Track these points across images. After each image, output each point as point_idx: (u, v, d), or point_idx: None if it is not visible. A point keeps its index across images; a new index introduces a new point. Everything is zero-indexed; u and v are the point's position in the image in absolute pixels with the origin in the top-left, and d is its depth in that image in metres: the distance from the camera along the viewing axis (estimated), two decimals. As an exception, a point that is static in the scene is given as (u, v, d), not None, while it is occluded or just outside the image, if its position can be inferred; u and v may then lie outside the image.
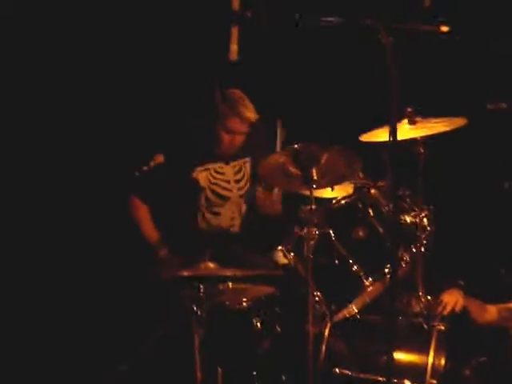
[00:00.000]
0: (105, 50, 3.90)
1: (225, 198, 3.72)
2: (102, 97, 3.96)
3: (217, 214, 3.73)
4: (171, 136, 3.72)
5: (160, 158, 3.58)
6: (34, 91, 3.80)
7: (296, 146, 2.83)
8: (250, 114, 3.51)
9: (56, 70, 3.82)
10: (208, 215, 3.72)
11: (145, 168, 3.57)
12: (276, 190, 3.72)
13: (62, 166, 3.91)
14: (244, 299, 3.07)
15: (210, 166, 3.68)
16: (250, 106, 3.53)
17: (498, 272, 3.98)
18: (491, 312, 3.13)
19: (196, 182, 3.66)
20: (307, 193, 2.91)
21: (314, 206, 2.82)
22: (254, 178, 3.76)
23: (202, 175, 3.66)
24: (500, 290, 3.82)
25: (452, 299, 3.12)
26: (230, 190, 3.74)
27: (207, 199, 3.69)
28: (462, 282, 3.31)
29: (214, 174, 3.69)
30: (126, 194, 3.65)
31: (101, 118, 3.98)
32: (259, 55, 3.90)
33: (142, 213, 3.65)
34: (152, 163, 3.57)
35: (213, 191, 3.69)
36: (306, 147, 2.82)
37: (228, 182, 3.73)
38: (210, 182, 3.68)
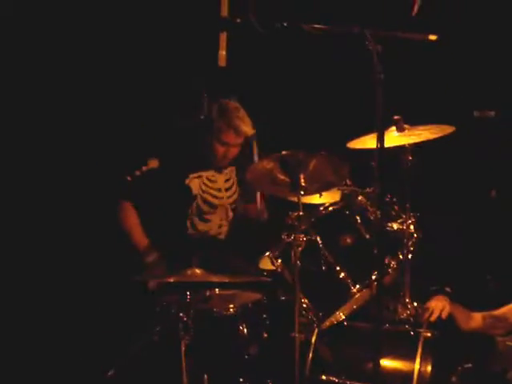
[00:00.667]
0: (98, 58, 3.90)
1: (215, 206, 3.73)
2: (97, 101, 3.96)
3: (207, 220, 3.73)
4: (167, 141, 3.69)
5: (154, 163, 3.56)
6: (27, 96, 3.79)
7: (283, 152, 2.83)
8: (247, 128, 3.51)
9: (49, 76, 3.82)
10: (197, 221, 3.71)
11: (137, 173, 3.55)
12: (258, 199, 3.75)
13: (57, 169, 3.90)
14: (231, 305, 3.07)
15: (203, 173, 3.68)
16: (247, 119, 3.53)
17: (484, 279, 4.01)
18: (476, 319, 3.14)
19: (189, 188, 3.65)
20: (295, 199, 2.91)
21: (301, 213, 2.82)
22: (240, 185, 3.78)
23: (194, 182, 3.66)
24: (486, 297, 3.85)
25: (439, 306, 3.12)
26: (221, 198, 3.75)
27: (198, 207, 3.68)
28: (448, 289, 3.33)
29: (206, 182, 3.69)
30: (116, 198, 3.61)
31: (95, 121, 3.97)
32: (248, 62, 3.92)
33: (133, 218, 3.61)
34: (145, 168, 3.54)
35: (204, 199, 3.69)
36: (294, 154, 2.82)
37: (219, 190, 3.73)
38: (202, 190, 3.67)
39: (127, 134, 3.98)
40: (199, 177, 3.66)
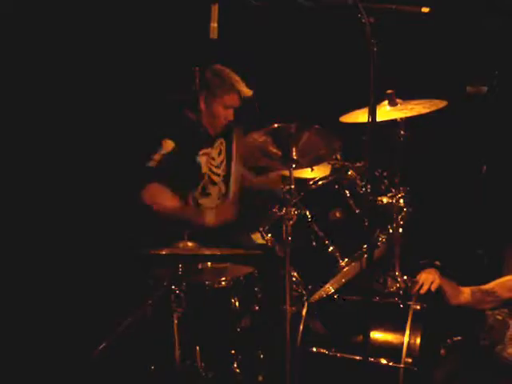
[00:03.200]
0: (89, 43, 3.83)
1: (215, 183, 3.78)
2: (94, 90, 3.89)
3: (208, 194, 3.77)
4: (177, 120, 3.69)
5: (170, 144, 3.54)
6: (36, 85, 3.73)
7: (275, 125, 2.80)
8: (246, 88, 3.61)
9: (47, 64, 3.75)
10: (198, 196, 3.73)
11: (156, 156, 3.51)
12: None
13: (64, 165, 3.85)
14: (223, 279, 3.09)
15: (207, 151, 3.73)
16: (241, 80, 3.62)
17: (474, 253, 4.04)
18: (465, 293, 3.16)
19: (199, 166, 3.69)
20: (286, 172, 2.91)
21: (292, 186, 2.81)
22: (229, 157, 3.80)
23: (202, 159, 3.70)
24: (476, 271, 3.88)
25: (428, 278, 3.13)
26: (219, 175, 3.81)
27: (204, 183, 3.73)
28: (438, 263, 3.35)
29: (210, 160, 3.75)
30: (139, 185, 3.51)
31: (97, 112, 3.91)
32: (240, 34, 3.91)
33: (163, 192, 3.54)
34: (163, 151, 3.52)
35: (209, 177, 3.75)
36: (286, 127, 2.80)
37: (218, 167, 3.79)
38: (208, 168, 3.73)
39: (134, 119, 3.92)
40: (205, 154, 3.71)
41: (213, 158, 3.77)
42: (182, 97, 3.69)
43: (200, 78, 3.61)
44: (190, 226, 3.29)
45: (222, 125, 3.70)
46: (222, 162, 3.83)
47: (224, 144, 3.84)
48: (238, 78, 3.61)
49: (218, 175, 3.80)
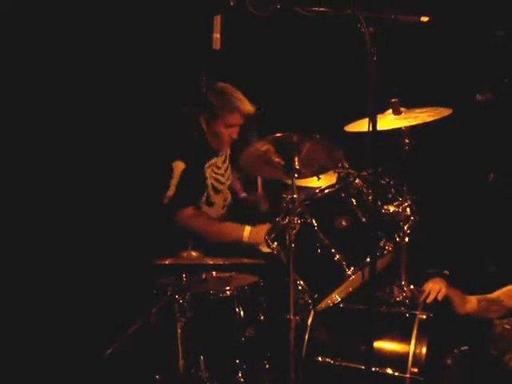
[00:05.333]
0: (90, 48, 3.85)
1: (219, 191, 3.79)
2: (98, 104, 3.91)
3: (212, 204, 3.78)
4: (183, 138, 3.68)
5: (181, 166, 3.55)
6: (44, 88, 3.76)
7: (278, 134, 2.81)
8: (249, 107, 3.60)
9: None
10: (202, 205, 3.74)
11: (174, 181, 3.53)
12: (260, 189, 3.78)
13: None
14: (227, 288, 3.10)
15: (212, 161, 3.74)
16: (244, 98, 3.61)
17: (482, 262, 4.02)
18: (471, 303, 3.16)
19: (205, 178, 3.70)
20: (289, 182, 2.91)
21: (295, 195, 2.81)
22: (233, 165, 3.82)
23: (208, 172, 3.72)
24: (484, 280, 3.86)
25: (435, 288, 3.14)
26: (223, 183, 3.82)
27: (208, 193, 3.74)
28: (446, 272, 3.34)
29: (215, 170, 3.76)
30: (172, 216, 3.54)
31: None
32: (242, 44, 3.93)
33: (199, 215, 3.62)
34: (176, 174, 3.53)
35: (212, 186, 3.76)
36: (288, 136, 2.80)
37: (223, 175, 3.81)
38: (213, 178, 3.74)
39: (143, 139, 3.92)
40: (210, 166, 3.73)
41: (218, 167, 3.78)
42: (192, 108, 3.70)
43: (198, 97, 3.65)
44: (221, 240, 3.42)
45: (227, 143, 3.70)
46: (226, 169, 3.85)
47: (229, 151, 3.86)
48: (240, 96, 3.60)
49: (222, 183, 3.81)
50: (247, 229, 3.51)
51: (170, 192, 3.54)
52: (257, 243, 3.44)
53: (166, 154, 3.61)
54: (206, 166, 3.71)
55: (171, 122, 3.77)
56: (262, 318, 3.18)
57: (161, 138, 3.74)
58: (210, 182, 3.73)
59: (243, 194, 4.06)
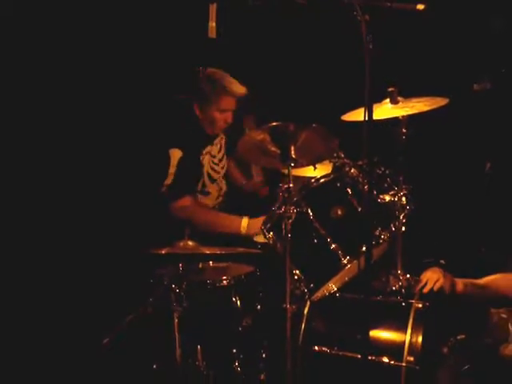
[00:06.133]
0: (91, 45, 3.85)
1: (214, 180, 3.81)
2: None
3: (207, 193, 3.79)
4: (179, 125, 3.69)
5: (178, 153, 3.56)
6: (40, 93, 3.75)
7: (274, 123, 2.81)
8: (239, 88, 3.60)
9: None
10: (198, 195, 3.76)
11: (171, 170, 3.54)
12: (255, 175, 3.80)
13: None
14: (224, 277, 3.12)
15: (208, 149, 3.76)
16: (234, 80, 3.62)
17: (478, 250, 4.04)
18: (458, 285, 3.17)
19: (202, 166, 3.72)
20: (286, 171, 2.91)
21: (291, 185, 2.82)
22: (229, 153, 3.84)
23: (205, 159, 3.74)
24: (480, 268, 3.88)
25: (433, 277, 3.14)
26: (219, 172, 3.83)
27: (203, 183, 3.76)
28: (443, 261, 3.35)
29: (211, 158, 3.78)
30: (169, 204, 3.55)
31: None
32: (238, 33, 3.91)
33: (196, 205, 3.62)
34: (174, 161, 3.54)
35: (208, 174, 3.78)
36: (284, 125, 2.80)
37: (218, 164, 3.82)
38: (209, 167, 3.77)
39: (139, 128, 3.91)
40: (207, 153, 3.75)
41: (213, 156, 3.80)
42: (186, 96, 3.71)
43: (192, 85, 3.66)
44: (223, 233, 3.44)
45: (222, 128, 3.72)
46: (221, 158, 3.86)
47: (224, 139, 3.87)
48: (230, 79, 3.62)
49: (218, 172, 3.83)
50: (245, 220, 3.53)
51: (168, 180, 3.56)
52: (254, 234, 3.46)
53: (163, 142, 3.62)
54: (203, 153, 3.73)
55: (166, 110, 3.77)
56: (259, 307, 3.20)
57: (157, 127, 3.75)
58: (206, 170, 3.75)
59: (244, 182, 4.06)
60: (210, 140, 3.78)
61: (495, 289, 3.16)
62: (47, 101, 3.77)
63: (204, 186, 3.76)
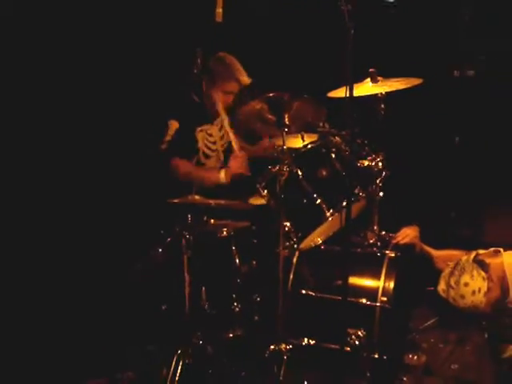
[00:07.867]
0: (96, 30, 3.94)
1: (209, 157, 3.97)
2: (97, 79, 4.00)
3: (202, 165, 3.94)
4: (180, 101, 3.86)
5: (175, 124, 3.73)
6: (37, 73, 3.80)
7: (271, 93, 3.16)
8: (246, 78, 3.81)
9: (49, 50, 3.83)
10: None
11: (168, 138, 3.72)
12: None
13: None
14: (224, 229, 3.40)
15: (204, 127, 3.91)
16: (243, 69, 3.82)
17: (448, 215, 4.38)
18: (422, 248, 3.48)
19: (196, 141, 3.87)
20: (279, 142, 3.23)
21: (285, 147, 3.15)
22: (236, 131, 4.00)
23: (200, 135, 3.88)
24: (450, 233, 4.21)
25: (411, 233, 3.42)
26: (215, 150, 3.98)
27: (198, 158, 3.92)
28: (415, 224, 3.57)
29: (206, 136, 3.92)
30: (163, 163, 3.70)
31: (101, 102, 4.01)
32: (243, 18, 4.17)
33: (184, 163, 3.77)
34: (171, 131, 3.72)
35: (203, 151, 3.93)
36: (280, 95, 3.14)
37: (214, 143, 3.96)
38: (204, 144, 3.91)
39: (143, 103, 4.04)
40: (202, 131, 3.89)
41: (210, 135, 3.90)
42: (188, 79, 3.90)
43: (202, 63, 3.83)
44: (204, 184, 3.59)
45: (222, 108, 3.84)
46: (222, 136, 3.96)
47: (227, 119, 3.95)
48: (239, 67, 3.77)
49: (213, 151, 3.94)
50: (222, 171, 3.74)
51: (163, 145, 3.73)
52: (239, 177, 3.69)
53: (164, 112, 3.81)
54: (198, 129, 3.83)
55: (175, 84, 3.95)
56: (255, 256, 3.46)
57: (162, 98, 3.92)
58: (200, 146, 3.86)
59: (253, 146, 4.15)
60: (209, 119, 3.93)
61: (442, 262, 3.41)
62: (45, 87, 3.83)
63: (199, 161, 3.92)
